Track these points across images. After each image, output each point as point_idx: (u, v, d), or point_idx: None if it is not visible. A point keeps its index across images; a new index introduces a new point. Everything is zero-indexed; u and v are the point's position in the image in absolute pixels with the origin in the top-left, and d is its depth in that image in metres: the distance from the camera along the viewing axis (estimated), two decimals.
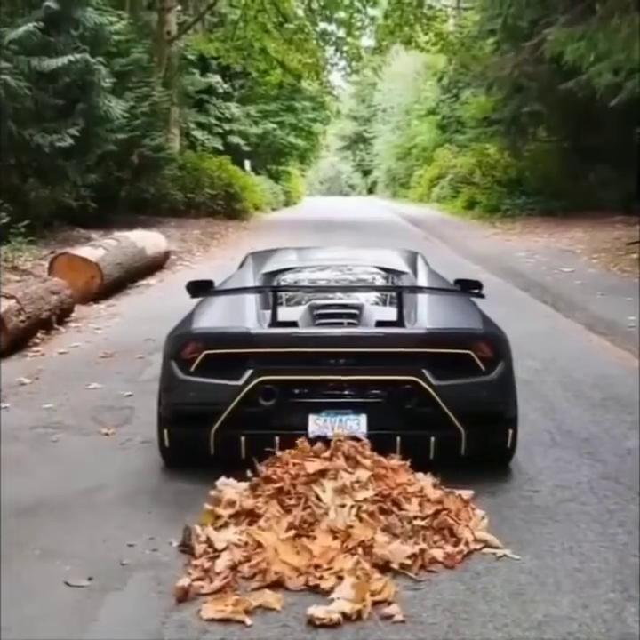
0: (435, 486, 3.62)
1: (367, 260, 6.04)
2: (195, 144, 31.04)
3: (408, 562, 3.16)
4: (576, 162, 23.12)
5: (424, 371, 4.06)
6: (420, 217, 29.71)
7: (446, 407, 4.02)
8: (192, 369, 4.16)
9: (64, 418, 5.19)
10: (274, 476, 3.50)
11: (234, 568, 3.08)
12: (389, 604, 2.91)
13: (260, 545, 3.15)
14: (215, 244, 18.38)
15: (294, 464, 3.52)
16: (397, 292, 4.59)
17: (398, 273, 5.46)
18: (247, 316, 4.50)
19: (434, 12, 28.93)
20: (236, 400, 4.03)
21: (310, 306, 4.72)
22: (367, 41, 31.95)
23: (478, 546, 3.34)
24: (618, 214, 18.95)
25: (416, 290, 4.87)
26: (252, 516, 3.37)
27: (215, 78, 33.02)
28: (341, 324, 4.51)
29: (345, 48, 30.82)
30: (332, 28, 30.86)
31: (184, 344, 4.29)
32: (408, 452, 3.85)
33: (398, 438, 3.98)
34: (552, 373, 6.30)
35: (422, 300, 4.68)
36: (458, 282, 5.59)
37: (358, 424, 4.01)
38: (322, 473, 3.44)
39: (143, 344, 7.41)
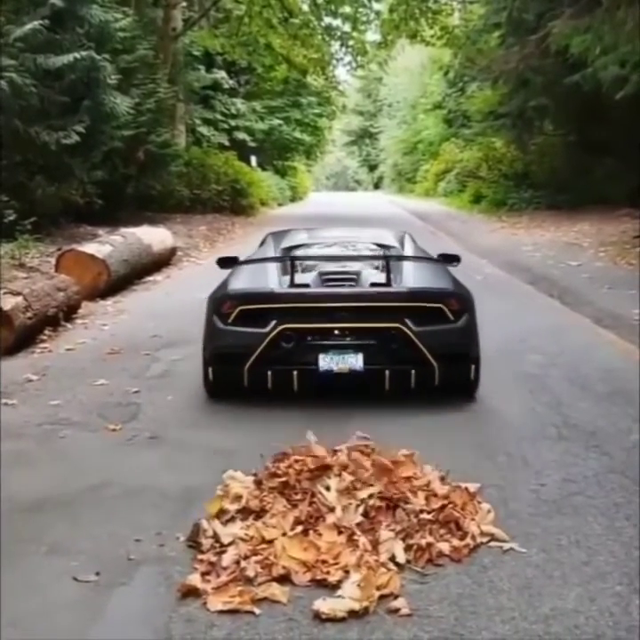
0: (442, 480, 3.62)
1: (365, 237, 7.24)
2: (201, 140, 31.05)
3: (414, 556, 3.17)
4: (582, 155, 23.03)
5: (406, 320, 5.29)
6: (426, 211, 29.66)
7: (423, 348, 5.24)
8: (229, 321, 5.43)
9: (71, 414, 5.20)
10: (279, 471, 3.51)
11: (240, 562, 3.09)
12: (396, 597, 2.91)
13: (266, 540, 3.16)
14: (221, 240, 18.39)
15: (297, 461, 3.53)
16: (386, 260, 5.87)
17: (389, 247, 6.64)
18: (270, 280, 5.81)
19: (439, 5, 28.87)
20: (264, 344, 5.27)
21: (319, 272, 6.01)
22: (372, 35, 31.91)
23: (485, 539, 3.34)
24: (624, 207, 18.87)
25: (400, 259, 6.23)
26: (258, 510, 3.37)
27: (221, 74, 32.99)
28: (343, 285, 5.81)
29: (350, 43, 30.79)
30: (337, 22, 30.84)
31: (222, 302, 5.56)
32: (394, 382, 5.28)
33: (387, 372, 5.31)
34: (559, 367, 6.29)
35: (407, 266, 6.04)
36: (440, 255, 6.86)
37: (356, 361, 5.27)
38: (325, 468, 3.43)
39: (149, 340, 7.43)
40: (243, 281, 5.95)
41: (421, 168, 49.52)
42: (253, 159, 34.85)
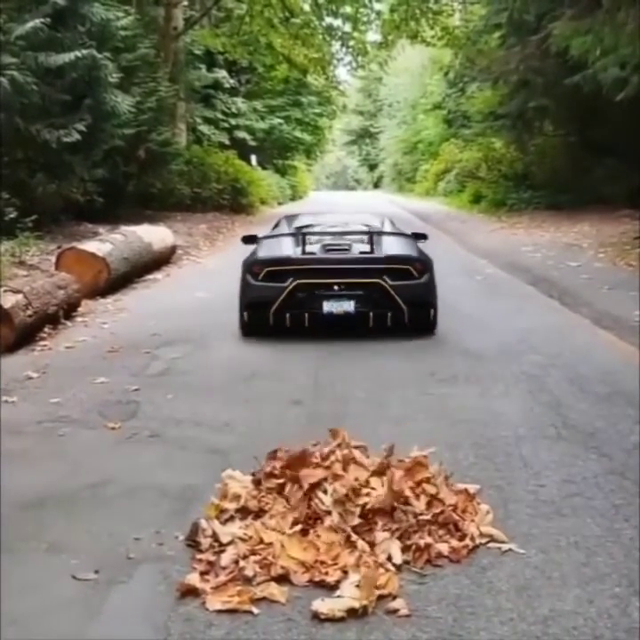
0: (446, 480, 3.61)
1: (355, 220, 9.59)
2: (201, 139, 31.03)
3: (413, 557, 3.17)
4: (582, 156, 23.03)
5: (384, 277, 7.44)
6: (426, 211, 29.65)
7: (397, 297, 7.37)
8: (259, 278, 7.55)
9: (71, 412, 5.21)
10: (276, 472, 3.51)
11: (239, 562, 3.09)
12: (394, 598, 2.91)
13: (265, 539, 3.16)
14: (221, 239, 18.40)
15: (290, 462, 3.52)
16: (370, 235, 8.03)
17: (372, 227, 8.75)
18: (288, 249, 7.94)
19: (440, 6, 28.88)
20: (283, 294, 7.36)
21: (323, 244, 8.02)
22: (373, 36, 31.91)
23: (484, 540, 3.34)
24: (624, 208, 18.87)
25: (379, 234, 8.38)
26: (257, 510, 3.38)
27: (221, 73, 32.98)
28: (340, 253, 7.87)
29: (351, 43, 30.79)
30: (338, 22, 30.84)
31: (253, 265, 7.71)
32: (376, 322, 7.44)
33: (371, 314, 7.45)
34: (558, 368, 6.29)
35: (385, 239, 8.25)
36: (413, 234, 9.01)
37: (349, 306, 7.39)
38: (319, 483, 3.42)
39: (149, 339, 7.44)
40: (267, 250, 8.12)
41: (421, 168, 49.53)
42: (254, 158, 34.84)
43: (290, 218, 9.84)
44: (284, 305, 7.38)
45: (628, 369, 6.26)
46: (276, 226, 9.58)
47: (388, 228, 9.04)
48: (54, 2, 13.33)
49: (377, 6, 29.89)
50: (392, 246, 8.05)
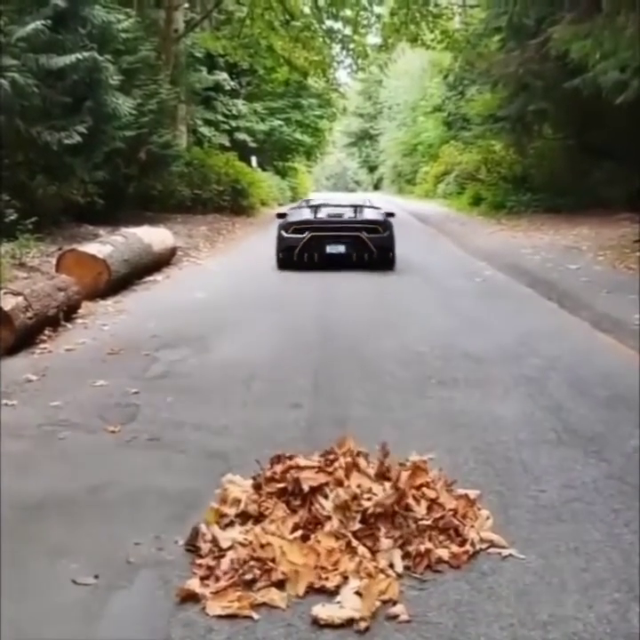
0: (448, 487, 3.61)
1: (348, 199, 17.91)
2: (202, 141, 31.08)
3: (413, 562, 3.17)
4: (582, 159, 23.05)
5: (363, 232, 12.57)
6: (425, 213, 29.72)
7: (370, 244, 12.52)
8: (288, 232, 12.85)
9: (70, 415, 5.20)
10: (276, 476, 3.51)
11: (239, 567, 3.09)
12: (395, 603, 2.92)
13: (265, 544, 3.16)
14: (222, 240, 18.44)
15: (292, 468, 3.52)
16: (354, 208, 13.67)
17: (357, 204, 14.24)
18: (306, 215, 13.46)
19: (440, 9, 28.97)
20: (302, 242, 12.59)
21: (328, 213, 13.52)
22: (373, 38, 32.00)
23: (484, 546, 3.34)
24: (624, 211, 18.89)
25: (361, 207, 13.80)
26: (257, 515, 3.37)
27: (222, 75, 32.99)
28: (337, 217, 13.26)
29: (351, 46, 30.87)
30: (338, 25, 30.93)
31: (285, 225, 13.05)
32: (357, 259, 12.56)
33: (354, 254, 12.56)
34: (558, 371, 6.29)
35: (365, 211, 13.66)
36: (386, 213, 13.78)
37: (342, 249, 12.58)
38: (320, 487, 3.42)
39: (149, 341, 7.44)
40: (294, 216, 13.62)
41: (421, 170, 49.62)
42: (254, 160, 34.87)
43: (306, 200, 18.06)
44: (303, 248, 12.71)
45: (627, 372, 6.26)
46: (298, 205, 16.85)
47: (367, 205, 14.56)
48: (55, 4, 13.35)
49: (377, 10, 29.98)
50: (368, 215, 13.56)
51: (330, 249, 12.61)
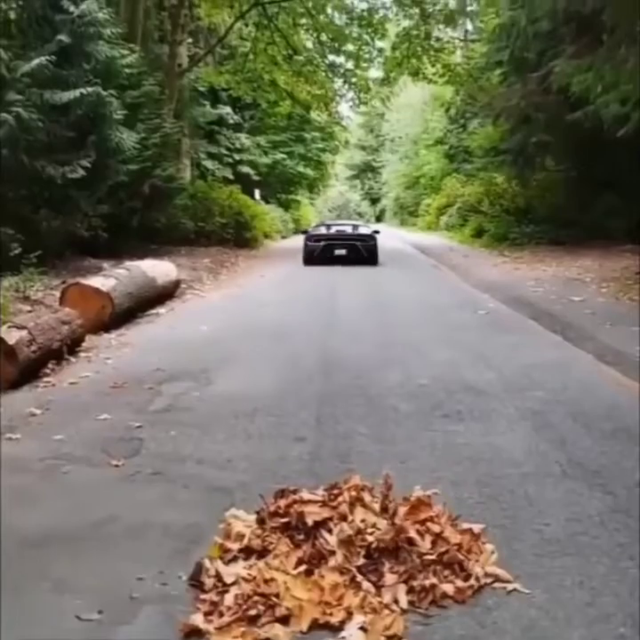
0: (452, 521, 3.60)
1: (349, 222, 29.70)
2: (205, 174, 31.31)
3: (417, 597, 3.15)
4: (584, 191, 23.16)
5: (357, 242, 21.65)
6: (428, 245, 29.84)
7: (361, 248, 21.31)
8: (311, 242, 21.75)
9: (74, 449, 5.20)
10: (280, 511, 3.50)
11: (243, 602, 3.07)
12: (400, 639, 2.89)
13: (269, 580, 3.14)
14: (225, 273, 18.49)
15: (296, 502, 3.51)
16: (353, 227, 24.18)
17: (355, 225, 25.25)
18: (321, 230, 23.44)
19: (441, 44, 29.23)
20: (319, 248, 21.32)
21: (336, 230, 23.27)
22: (375, 72, 32.38)
23: (489, 580, 3.32)
24: (626, 243, 18.95)
25: (357, 227, 24.27)
26: (260, 550, 3.36)
27: (226, 109, 33.34)
28: (341, 232, 22.84)
29: (353, 80, 31.15)
30: (340, 60, 31.25)
31: (309, 237, 22.38)
32: (354, 258, 20.95)
33: (351, 255, 21.05)
34: (562, 404, 6.28)
35: (360, 228, 24.12)
36: (373, 231, 23.07)
37: (344, 252, 21.17)
38: (325, 521, 3.41)
39: (153, 374, 7.43)
40: (314, 232, 23.20)
41: (423, 202, 49.87)
42: (257, 192, 35.10)
43: (320, 223, 28.88)
44: (320, 251, 20.84)
45: (632, 405, 6.24)
46: (317, 225, 26.85)
47: (363, 225, 25.42)
48: (59, 40, 13.54)
49: (379, 44, 30.31)
50: (361, 231, 22.79)
51: (337, 252, 21.20)
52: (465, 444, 5.26)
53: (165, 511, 4.16)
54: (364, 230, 23.36)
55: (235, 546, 3.42)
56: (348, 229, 23.28)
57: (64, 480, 4.68)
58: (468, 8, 30.72)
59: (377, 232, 22.82)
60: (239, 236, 26.07)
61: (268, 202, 38.22)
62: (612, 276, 14.53)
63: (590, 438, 5.37)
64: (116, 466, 4.86)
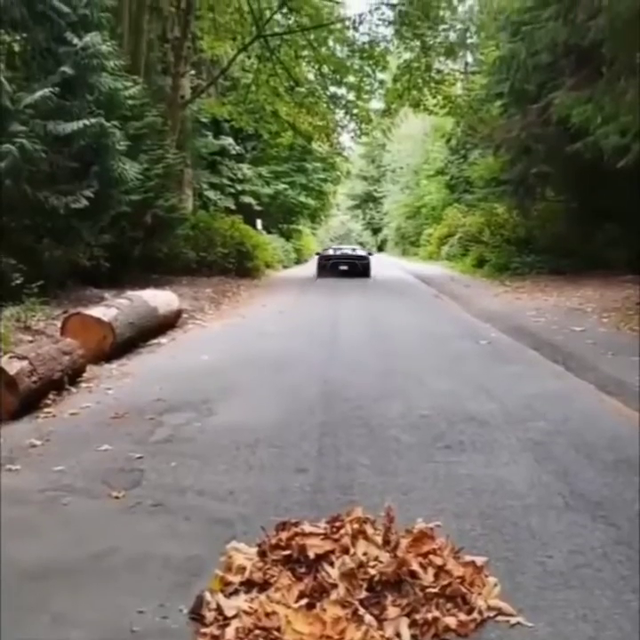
0: (455, 554, 3.58)
1: (350, 246, 41.30)
2: (207, 204, 31.48)
3: (420, 631, 3.13)
4: (584, 221, 23.27)
5: (357, 260, 30.88)
6: (430, 275, 29.96)
7: (359, 265, 30.36)
8: (323, 260, 31.23)
9: (74, 480, 5.18)
10: (281, 543, 3.48)
11: (244, 636, 3.05)
12: None
13: (270, 613, 3.12)
14: (226, 302, 18.51)
15: (298, 534, 3.49)
16: (353, 249, 34.73)
17: (355, 248, 36.77)
18: (330, 252, 33.47)
19: (442, 75, 29.51)
20: (329, 264, 30.43)
21: (341, 252, 32.89)
22: (376, 104, 32.69)
23: (492, 613, 3.29)
24: (627, 274, 19.00)
25: (355, 250, 34.54)
26: (262, 583, 3.34)
27: (228, 140, 33.57)
28: (345, 254, 32.23)
29: (355, 111, 31.43)
30: (342, 91, 31.57)
31: (321, 257, 32.09)
32: (355, 273, 29.71)
33: (351, 270, 29.94)
34: (564, 435, 6.26)
35: (358, 251, 33.91)
36: (368, 252, 33.97)
37: (347, 268, 30.00)
38: (327, 554, 3.39)
39: (154, 404, 7.42)
40: (324, 253, 32.91)
41: (425, 232, 50.11)
42: (259, 222, 35.28)
43: (328, 247, 39.81)
44: (330, 267, 29.76)
45: (634, 435, 6.23)
46: (326, 248, 37.48)
47: (360, 249, 35.86)
48: (63, 71, 13.66)
49: (380, 76, 30.61)
50: (358, 253, 32.51)
51: (341, 267, 29.78)
52: (467, 475, 5.25)
53: (166, 543, 4.14)
54: (360, 252, 33.32)
55: (236, 579, 3.39)
56: (349, 251, 33.58)
57: (64, 512, 4.66)
58: (469, 41, 30.96)
59: (370, 254, 33.41)
60: (241, 266, 26.16)
61: (269, 232, 38.39)
62: (613, 306, 14.55)
63: (592, 469, 5.35)
64: (117, 497, 4.84)
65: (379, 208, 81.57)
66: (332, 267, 29.86)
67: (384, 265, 43.20)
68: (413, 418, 6.89)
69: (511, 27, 22.16)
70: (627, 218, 20.43)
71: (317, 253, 34.28)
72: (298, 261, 44.88)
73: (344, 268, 29.86)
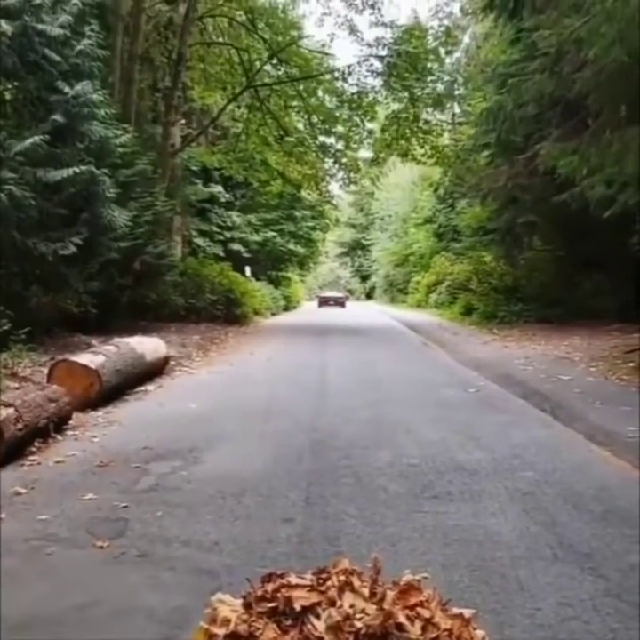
0: (442, 606, 3.53)
1: (336, 291, 71.10)
2: (196, 251, 31.63)
3: None
4: (571, 270, 23.46)
5: (339, 299, 61.92)
6: (418, 322, 30.02)
7: (340, 301, 61.00)
8: (320, 300, 62.63)
9: (58, 530, 5.11)
10: (267, 595, 3.43)
11: None
12: None
13: None
14: (214, 349, 18.46)
15: (284, 586, 3.44)
16: (337, 293, 67.90)
17: (341, 292, 69.00)
18: (324, 294, 67.72)
19: (430, 126, 29.94)
20: (323, 302, 61.12)
21: (331, 295, 65.31)
22: (365, 153, 33.11)
23: None
24: (614, 323, 19.11)
25: (339, 294, 66.26)
26: (247, 635, 3.28)
27: (217, 188, 33.85)
28: (333, 297, 63.10)
29: (344, 160, 31.80)
30: (331, 140, 31.93)
31: (320, 299, 63.08)
32: (338, 304, 60.79)
33: (337, 306, 58.08)
34: (552, 485, 6.24)
35: (340, 294, 66.85)
36: (345, 296, 68.46)
37: (333, 302, 60.50)
38: (313, 606, 3.35)
39: (140, 452, 7.37)
40: (322, 295, 66.08)
41: (413, 279, 50.37)
42: (248, 269, 35.41)
43: (323, 292, 73.61)
44: (323, 302, 61.02)
45: (623, 486, 6.22)
46: (322, 292, 73.13)
47: (343, 295, 67.88)
48: (54, 119, 13.78)
49: (369, 126, 31.04)
50: (340, 295, 65.41)
51: (330, 302, 59.54)
52: (455, 525, 5.21)
53: (150, 594, 4.08)
54: (341, 295, 64.56)
55: (221, 631, 3.33)
56: (335, 294, 62.43)
57: (48, 562, 4.60)
58: (456, 92, 31.50)
59: (347, 297, 63.47)
60: (229, 313, 26.19)
61: (258, 279, 38.49)
62: (601, 356, 14.59)
63: (581, 520, 5.32)
64: (101, 547, 4.78)
65: (367, 255, 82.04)
66: (325, 302, 60.29)
67: (371, 313, 43.36)
68: (402, 467, 6.86)
69: (498, 79, 22.55)
70: (613, 267, 20.63)
71: (317, 295, 64.49)
72: (286, 308, 45.00)
73: (331, 302, 59.64)
